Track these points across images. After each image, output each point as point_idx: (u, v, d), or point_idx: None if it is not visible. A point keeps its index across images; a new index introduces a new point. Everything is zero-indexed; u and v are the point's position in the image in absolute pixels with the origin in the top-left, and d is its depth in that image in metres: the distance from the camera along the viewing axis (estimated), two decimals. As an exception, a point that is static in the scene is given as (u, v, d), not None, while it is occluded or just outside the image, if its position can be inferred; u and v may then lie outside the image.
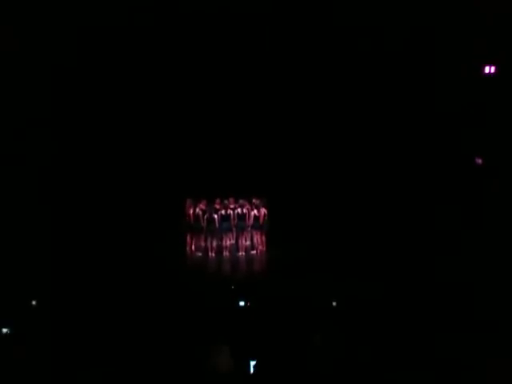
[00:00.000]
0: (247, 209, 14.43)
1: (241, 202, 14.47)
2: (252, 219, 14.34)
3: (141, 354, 6.60)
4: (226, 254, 14.50)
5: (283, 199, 15.11)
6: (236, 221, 14.37)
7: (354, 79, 15.57)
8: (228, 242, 14.63)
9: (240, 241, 14.69)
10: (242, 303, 8.94)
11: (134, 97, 15.81)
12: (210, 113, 16.17)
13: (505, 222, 13.20)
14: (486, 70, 14.38)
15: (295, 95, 15.98)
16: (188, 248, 14.65)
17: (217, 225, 14.22)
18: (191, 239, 14.70)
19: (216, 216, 14.19)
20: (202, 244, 14.76)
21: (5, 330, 7.52)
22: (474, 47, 14.35)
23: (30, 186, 14.51)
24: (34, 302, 9.07)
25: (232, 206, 14.35)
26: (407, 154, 15.45)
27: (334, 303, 8.89)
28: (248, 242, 14.94)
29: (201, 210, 14.26)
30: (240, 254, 14.56)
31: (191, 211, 14.31)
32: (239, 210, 14.35)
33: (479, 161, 14.41)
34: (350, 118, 15.84)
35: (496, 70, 14.34)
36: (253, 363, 6.08)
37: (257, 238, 14.69)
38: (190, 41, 15.58)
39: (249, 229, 14.56)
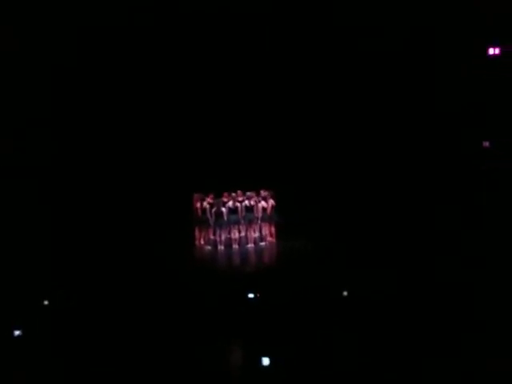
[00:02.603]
0: (255, 201, 14.46)
1: (248, 194, 14.50)
2: (260, 211, 14.39)
3: (152, 348, 6.65)
4: (235, 246, 14.54)
5: (291, 190, 15.13)
6: (244, 213, 14.40)
7: (354, 79, 15.57)
8: (237, 235, 14.65)
9: (249, 233, 14.71)
10: (251, 295, 8.96)
11: (137, 94, 15.80)
12: (216, 107, 16.15)
13: (505, 221, 13.21)
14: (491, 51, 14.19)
15: (301, 90, 15.98)
16: (197, 242, 14.68)
17: (225, 218, 14.27)
18: (200, 233, 14.73)
19: (224, 209, 14.24)
20: (211, 237, 14.79)
21: (17, 333, 7.64)
22: (474, 47, 14.35)
23: (30, 185, 14.52)
24: (46, 302, 9.13)
25: (240, 199, 14.39)
26: (408, 155, 15.45)
27: (345, 293, 8.94)
28: (257, 234, 14.95)
29: (208, 203, 14.31)
30: (249, 245, 14.61)
31: (199, 205, 14.35)
32: (247, 202, 14.39)
33: (486, 144, 14.37)
34: (353, 118, 15.84)
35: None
36: (265, 359, 6.11)
37: (265, 229, 14.73)
38: (190, 40, 15.60)
39: (257, 221, 14.60)
